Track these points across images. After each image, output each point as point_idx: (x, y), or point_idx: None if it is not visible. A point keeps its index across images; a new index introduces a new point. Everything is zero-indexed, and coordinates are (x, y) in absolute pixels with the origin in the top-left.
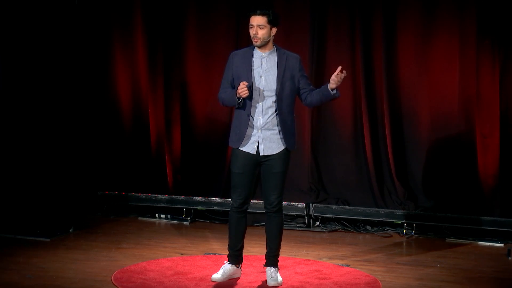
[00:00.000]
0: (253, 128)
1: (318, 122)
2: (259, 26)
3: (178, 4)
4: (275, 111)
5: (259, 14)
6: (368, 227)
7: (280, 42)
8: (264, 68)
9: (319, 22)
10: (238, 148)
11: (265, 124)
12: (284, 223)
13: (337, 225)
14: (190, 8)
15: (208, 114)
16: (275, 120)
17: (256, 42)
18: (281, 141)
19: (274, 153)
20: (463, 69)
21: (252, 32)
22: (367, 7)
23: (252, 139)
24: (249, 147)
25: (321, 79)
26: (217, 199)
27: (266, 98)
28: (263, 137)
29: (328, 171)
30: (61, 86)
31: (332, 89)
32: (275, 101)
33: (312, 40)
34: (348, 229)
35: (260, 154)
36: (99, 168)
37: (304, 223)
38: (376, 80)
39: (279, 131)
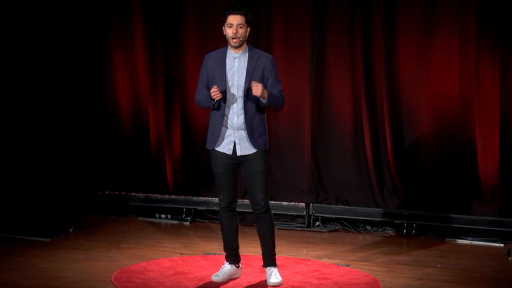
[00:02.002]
0: (229, 129)
1: (318, 122)
2: (239, 25)
3: (178, 4)
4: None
5: (238, 14)
6: (368, 227)
7: (280, 42)
8: (237, 68)
9: (319, 22)
10: (214, 149)
11: (241, 125)
12: (284, 223)
13: (337, 225)
14: (190, 7)
15: (208, 114)
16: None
17: (235, 42)
18: (250, 142)
19: (251, 152)
20: (463, 69)
21: (231, 31)
22: (367, 7)
23: (228, 139)
24: (225, 148)
25: (321, 79)
26: (217, 199)
27: (239, 99)
28: (239, 137)
29: (328, 171)
30: (60, 86)
31: (262, 98)
32: (245, 101)
33: (312, 40)
34: (348, 229)
35: (237, 155)
36: (99, 168)
37: (304, 223)
38: (376, 80)
39: (246, 132)
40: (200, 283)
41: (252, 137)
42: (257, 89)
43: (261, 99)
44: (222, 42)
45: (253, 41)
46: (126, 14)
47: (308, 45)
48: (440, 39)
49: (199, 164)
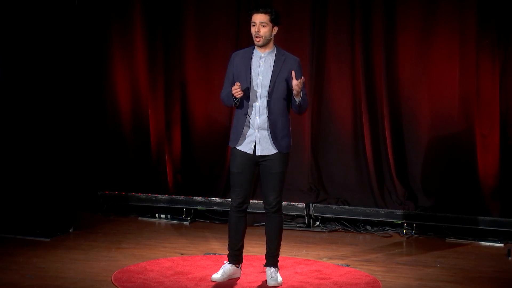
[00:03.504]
0: (251, 128)
1: (318, 122)
2: (261, 24)
3: (178, 4)
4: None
5: (261, 12)
6: (368, 227)
7: (280, 42)
8: (262, 68)
9: (319, 22)
10: (235, 148)
11: (262, 124)
12: (284, 223)
13: (337, 225)
14: (190, 7)
15: (208, 114)
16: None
17: (258, 41)
18: (272, 143)
19: (271, 153)
20: (463, 69)
21: (254, 30)
22: (367, 7)
23: (249, 138)
24: (246, 147)
25: (321, 79)
26: (217, 199)
27: (262, 99)
28: (260, 137)
29: (328, 171)
30: (60, 86)
31: (296, 97)
32: (268, 101)
33: (312, 40)
34: (348, 229)
35: (257, 154)
36: (99, 168)
37: (304, 223)
38: (376, 80)
39: (269, 133)
40: (200, 283)
41: (275, 138)
42: (299, 85)
43: (295, 97)
44: (223, 42)
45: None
46: (126, 14)
47: (308, 45)
48: (440, 39)
49: (199, 164)
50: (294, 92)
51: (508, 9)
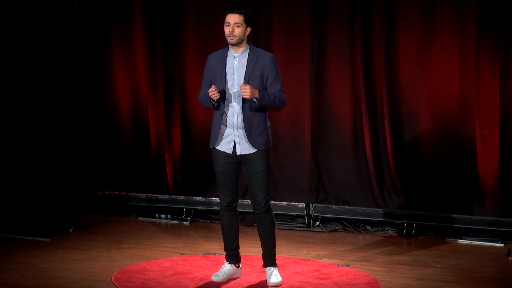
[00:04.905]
0: (229, 128)
1: (318, 122)
2: (235, 24)
3: (178, 4)
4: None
5: (236, 13)
6: (368, 227)
7: (280, 42)
8: (236, 68)
9: (319, 22)
10: (215, 148)
11: (240, 124)
12: (284, 223)
13: (337, 225)
14: (190, 7)
15: (208, 114)
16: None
17: (232, 40)
18: (248, 141)
19: (251, 152)
20: (463, 69)
21: (228, 30)
22: (367, 7)
23: (228, 138)
24: (225, 147)
25: (321, 79)
26: (217, 199)
27: (239, 98)
28: (239, 136)
29: (328, 171)
30: (60, 86)
31: (255, 99)
32: (243, 100)
33: (312, 40)
34: (348, 229)
35: (237, 154)
36: (99, 168)
37: (304, 223)
38: (376, 80)
39: (245, 132)
40: (200, 283)
41: (251, 136)
42: (245, 91)
43: (254, 100)
44: (222, 42)
45: (253, 42)
46: (126, 14)
47: (308, 45)
48: (440, 39)
49: (199, 164)
50: (244, 97)
51: (508, 9)
